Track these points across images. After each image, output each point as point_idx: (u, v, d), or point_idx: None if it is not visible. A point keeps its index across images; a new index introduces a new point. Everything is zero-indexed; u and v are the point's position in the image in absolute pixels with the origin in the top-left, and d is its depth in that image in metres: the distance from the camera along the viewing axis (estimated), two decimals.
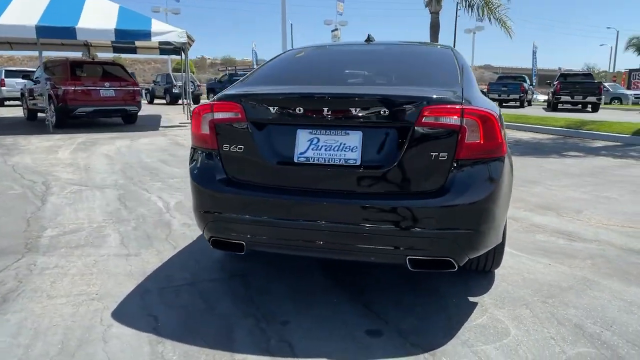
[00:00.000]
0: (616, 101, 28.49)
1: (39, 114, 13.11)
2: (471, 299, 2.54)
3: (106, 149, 7.98)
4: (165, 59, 39.66)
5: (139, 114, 12.77)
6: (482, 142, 2.10)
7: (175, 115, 15.74)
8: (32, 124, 12.59)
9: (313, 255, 2.72)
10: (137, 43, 14.70)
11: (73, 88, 11.05)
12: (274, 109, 2.23)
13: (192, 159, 2.51)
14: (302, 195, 2.20)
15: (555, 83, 19.30)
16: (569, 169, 6.48)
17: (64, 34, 10.56)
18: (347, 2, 26.33)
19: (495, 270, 2.84)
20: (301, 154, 2.20)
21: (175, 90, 22.94)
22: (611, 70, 47.43)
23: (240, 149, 2.28)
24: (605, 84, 26.49)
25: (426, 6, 13.84)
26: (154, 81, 27.21)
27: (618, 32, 51.97)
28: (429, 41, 11.79)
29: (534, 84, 28.86)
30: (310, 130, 2.21)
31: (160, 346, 2.06)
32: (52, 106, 11.15)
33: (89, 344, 2.07)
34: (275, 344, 2.09)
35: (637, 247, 3.35)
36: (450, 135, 2.07)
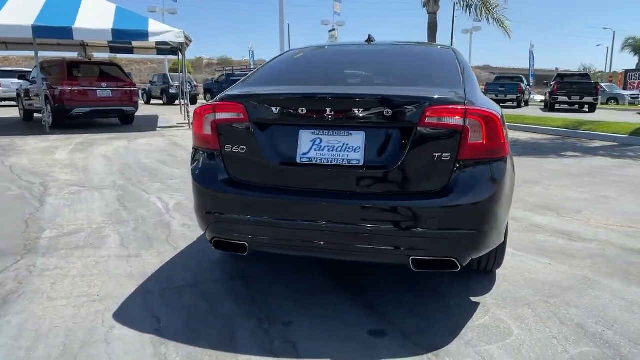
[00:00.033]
0: (613, 101, 28.61)
1: (35, 115, 13.06)
2: (473, 299, 2.54)
3: (104, 150, 7.95)
4: (162, 59, 39.61)
5: (135, 114, 12.74)
6: (484, 142, 2.10)
7: (173, 115, 15.70)
8: (28, 124, 12.53)
9: (316, 256, 2.72)
10: (134, 43, 14.66)
11: (70, 88, 11.00)
12: (276, 109, 2.23)
13: (193, 160, 2.50)
14: (305, 196, 2.20)
15: (552, 83, 19.36)
16: (568, 169, 6.50)
17: (61, 34, 10.51)
18: (344, 3, 26.34)
19: (497, 270, 2.85)
20: (304, 154, 2.20)
21: (172, 91, 22.89)
22: (607, 71, 47.71)
23: (243, 149, 2.28)
24: (602, 85, 26.59)
25: (424, 6, 13.86)
26: (150, 81, 27.13)
27: (614, 32, 52.15)
28: (426, 41, 11.82)
29: (531, 84, 28.96)
30: (313, 131, 2.20)
31: (163, 347, 2.05)
32: (49, 107, 11.10)
33: (91, 345, 2.06)
34: (279, 344, 2.09)
35: (637, 247, 3.36)
36: (453, 136, 2.08)
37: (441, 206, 2.07)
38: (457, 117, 2.06)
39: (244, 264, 2.99)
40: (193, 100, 20.56)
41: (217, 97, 2.42)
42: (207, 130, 2.36)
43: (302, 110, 2.18)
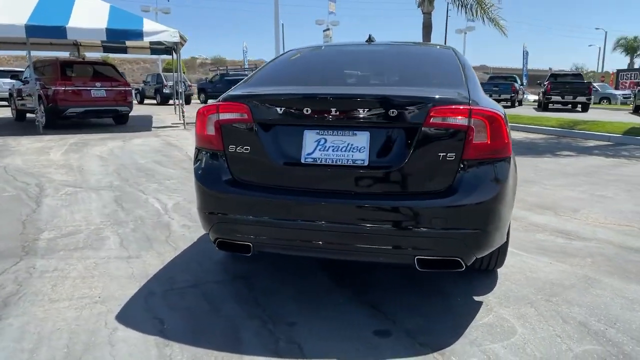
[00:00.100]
0: (605, 101, 28.86)
1: (28, 115, 12.94)
2: (476, 298, 2.55)
3: (99, 150, 7.90)
4: (155, 58, 39.42)
5: (129, 114, 12.66)
6: (489, 142, 2.11)
7: (167, 115, 15.63)
8: (21, 124, 12.42)
9: (321, 256, 2.72)
10: (128, 43, 14.56)
11: (63, 88, 10.91)
12: (281, 109, 2.22)
13: (196, 160, 2.49)
14: (309, 196, 2.19)
15: (545, 83, 19.49)
16: (564, 169, 6.55)
17: (54, 34, 10.42)
18: (337, 2, 26.33)
19: (498, 270, 2.86)
20: (308, 154, 2.19)
21: (166, 91, 22.77)
22: (599, 71, 48.13)
23: (247, 149, 2.27)
24: (595, 84, 26.80)
25: (419, 6, 13.90)
26: (144, 81, 26.99)
27: (606, 32, 52.64)
28: (422, 41, 11.85)
29: (524, 84, 29.13)
30: (318, 131, 2.20)
31: (167, 349, 2.04)
32: (42, 107, 11.00)
33: (95, 347, 2.04)
34: (284, 345, 2.08)
35: (635, 245, 3.39)
36: (458, 136, 2.08)
37: (446, 206, 2.08)
38: (461, 117, 2.07)
39: (245, 264, 2.98)
40: (187, 100, 20.43)
41: (220, 97, 2.41)
42: (211, 131, 2.34)
43: (307, 110, 2.18)
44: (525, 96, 27.30)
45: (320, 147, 2.18)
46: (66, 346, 2.05)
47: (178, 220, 3.91)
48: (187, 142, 9.05)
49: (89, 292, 2.58)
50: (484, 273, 2.83)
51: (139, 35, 10.90)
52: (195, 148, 2.52)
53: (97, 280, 2.73)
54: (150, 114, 16.37)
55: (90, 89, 11.33)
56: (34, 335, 2.14)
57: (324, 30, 25.33)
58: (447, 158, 2.09)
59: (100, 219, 3.95)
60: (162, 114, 16.20)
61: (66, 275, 2.80)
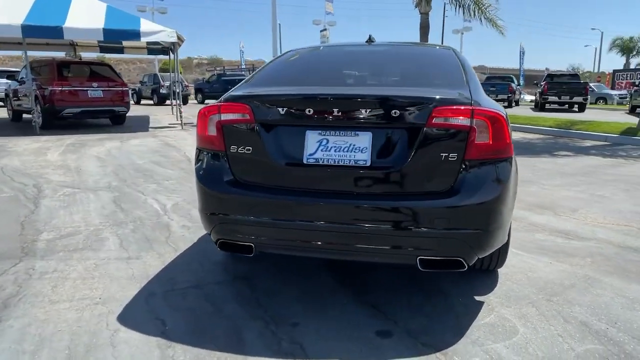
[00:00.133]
0: (601, 101, 28.98)
1: (24, 115, 12.89)
2: (477, 298, 2.55)
3: (96, 151, 7.87)
4: (151, 58, 39.25)
5: (126, 114, 12.62)
6: (491, 142, 2.11)
7: (164, 116, 15.59)
8: (17, 125, 12.37)
9: (323, 257, 2.72)
10: (125, 43, 14.52)
11: (60, 89, 10.87)
12: (283, 110, 2.22)
13: (197, 160, 2.48)
14: (311, 196, 2.19)
15: (542, 83, 19.55)
16: (562, 169, 6.57)
17: (51, 34, 10.37)
18: (334, 3, 26.32)
19: (499, 270, 2.87)
20: (310, 155, 2.19)
21: (163, 91, 22.73)
22: (595, 71, 48.35)
23: (249, 150, 2.27)
24: (591, 85, 26.92)
25: (416, 6, 13.91)
26: (140, 81, 26.92)
27: (602, 33, 52.97)
28: (419, 42, 11.87)
29: (521, 84, 29.21)
30: (320, 131, 2.20)
31: (170, 350, 2.03)
32: (39, 107, 10.96)
33: (97, 349, 2.03)
34: (287, 345, 2.08)
35: (634, 245, 3.41)
36: (460, 136, 2.08)
37: (448, 206, 2.08)
38: (464, 118, 2.07)
39: (246, 265, 2.98)
40: (184, 101, 20.42)
41: (222, 98, 2.40)
42: (212, 131, 2.34)
43: (309, 111, 2.18)
44: (522, 96, 27.40)
45: (322, 147, 2.18)
46: (68, 348, 2.04)
47: (177, 221, 3.90)
48: (185, 142, 9.03)
49: (89, 293, 2.57)
50: (485, 273, 2.83)
51: (136, 35, 10.88)
52: (197, 148, 2.51)
53: (97, 282, 2.72)
54: (147, 114, 16.34)
55: (87, 89, 11.29)
56: (35, 336, 2.13)
57: (321, 31, 25.33)
58: (450, 158, 2.09)
59: (100, 220, 3.94)
60: (159, 114, 16.16)
61: (66, 277, 2.79)
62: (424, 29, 13.63)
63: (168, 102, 20.65)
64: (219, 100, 2.42)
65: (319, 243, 2.23)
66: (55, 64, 11.49)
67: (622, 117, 15.34)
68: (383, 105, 2.14)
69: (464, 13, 13.57)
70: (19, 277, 2.77)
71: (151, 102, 24.06)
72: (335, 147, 2.17)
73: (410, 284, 2.72)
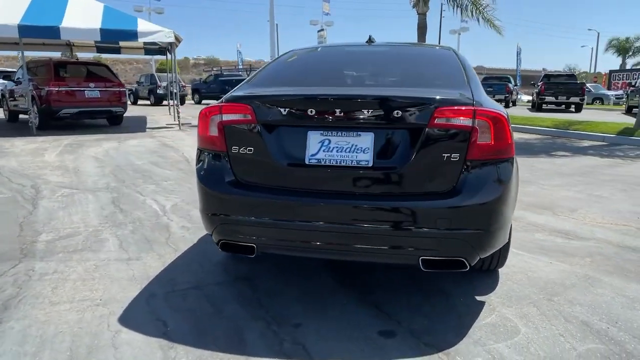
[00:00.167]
0: (598, 101, 29.13)
1: (21, 116, 12.83)
2: (478, 298, 2.56)
3: (94, 151, 7.84)
4: (147, 59, 39.21)
5: (123, 115, 12.59)
6: (492, 143, 2.12)
7: (161, 116, 15.57)
8: (13, 125, 12.31)
9: (325, 257, 2.71)
10: (122, 43, 14.48)
11: (57, 89, 10.82)
12: (285, 110, 2.21)
13: (198, 161, 2.48)
14: (313, 197, 2.19)
15: (539, 84, 19.63)
16: (560, 169, 6.59)
17: (48, 34, 10.33)
18: (331, 3, 26.32)
19: (499, 269, 2.87)
20: (312, 155, 2.19)
21: (160, 91, 22.69)
22: (592, 71, 48.54)
23: (250, 150, 2.26)
24: (588, 85, 27.04)
25: (413, 7, 13.94)
26: (137, 82, 26.87)
27: (599, 33, 53.10)
28: (416, 42, 11.89)
29: (518, 84, 29.30)
30: (322, 132, 2.20)
31: (172, 351, 2.02)
32: (35, 107, 10.91)
33: (99, 350, 2.02)
34: (289, 346, 2.08)
35: (633, 245, 3.42)
36: (462, 136, 2.09)
37: (450, 206, 2.08)
38: (466, 118, 2.07)
39: (247, 265, 2.98)
40: (181, 101, 20.37)
41: (223, 98, 2.40)
42: (214, 132, 2.33)
43: (311, 111, 2.17)
44: (519, 97, 27.47)
45: (324, 148, 2.18)
46: (69, 349, 2.03)
47: (177, 222, 3.89)
48: (182, 142, 9.01)
49: (90, 295, 2.56)
50: (486, 273, 2.84)
51: (133, 35, 10.84)
52: (198, 149, 2.51)
53: (97, 283, 2.71)
54: (144, 114, 16.31)
55: (84, 90, 11.25)
56: (36, 338, 2.11)
57: (318, 31, 25.35)
58: (452, 159, 2.09)
59: (99, 221, 3.92)
60: (157, 115, 16.13)
61: (66, 278, 2.78)
62: (422, 29, 13.65)
63: (165, 102, 20.63)
64: (220, 100, 2.41)
65: (321, 243, 2.23)
66: (52, 64, 11.45)
67: (618, 118, 15.41)
68: (385, 105, 2.14)
69: (461, 13, 13.62)
70: (18, 279, 2.75)
71: (148, 102, 24.00)
72: (337, 147, 2.17)
73: (412, 284, 2.72)
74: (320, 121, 2.19)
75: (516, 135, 10.81)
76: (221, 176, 2.32)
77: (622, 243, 3.45)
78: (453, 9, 13.57)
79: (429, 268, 2.15)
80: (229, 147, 2.31)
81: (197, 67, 57.37)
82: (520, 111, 18.50)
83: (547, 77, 20.51)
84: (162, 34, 11.14)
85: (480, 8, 13.25)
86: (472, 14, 13.33)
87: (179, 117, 12.39)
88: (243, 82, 2.67)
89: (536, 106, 19.86)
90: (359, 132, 2.17)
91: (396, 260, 2.32)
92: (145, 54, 18.00)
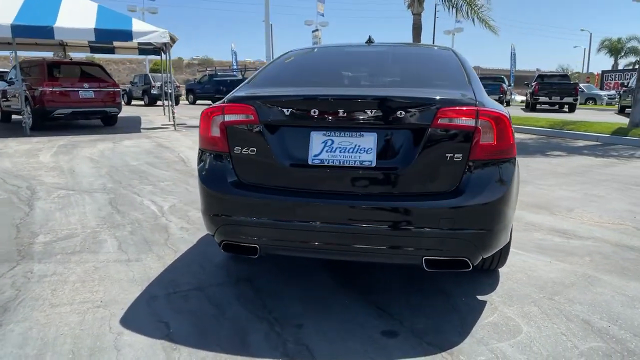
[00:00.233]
0: (591, 101, 29.36)
1: (14, 116, 12.72)
2: (480, 297, 2.57)
3: (89, 152, 7.79)
4: (141, 59, 38.98)
5: (118, 115, 12.52)
6: (495, 143, 2.12)
7: (156, 117, 15.50)
8: (6, 126, 12.22)
9: (328, 258, 2.71)
10: (116, 43, 14.41)
11: (50, 89, 10.75)
12: (287, 110, 2.21)
13: (200, 162, 2.47)
14: (316, 197, 2.19)
15: (533, 84, 19.76)
16: (556, 169, 6.63)
17: (41, 34, 10.25)
18: (326, 3, 26.31)
19: (500, 269, 2.88)
20: (315, 155, 2.19)
21: (154, 91, 22.59)
22: (584, 72, 48.90)
23: (253, 151, 2.26)
24: (581, 85, 27.26)
25: (408, 7, 13.98)
26: (131, 82, 26.73)
27: (591, 34, 53.47)
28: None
29: (511, 84, 29.48)
30: (325, 132, 2.20)
31: (176, 353, 2.01)
32: (29, 108, 10.82)
33: (101, 352, 2.01)
34: (293, 347, 2.07)
35: (631, 244, 3.45)
36: (465, 137, 2.09)
37: (453, 206, 2.09)
38: (469, 118, 2.08)
39: (247, 266, 2.97)
40: (176, 101, 20.31)
41: (225, 99, 2.39)
42: (216, 132, 2.32)
43: (314, 112, 2.17)
44: (512, 97, 27.64)
45: (327, 148, 2.18)
46: (71, 351, 2.01)
47: (176, 223, 3.87)
48: (178, 143, 8.98)
49: (90, 296, 2.54)
50: (486, 273, 2.85)
51: (128, 35, 10.78)
52: (199, 149, 2.49)
53: (97, 284, 2.69)
54: (139, 115, 16.23)
55: (78, 90, 11.18)
56: (37, 341, 2.09)
57: (313, 31, 25.34)
58: (454, 159, 2.10)
59: (96, 222, 3.89)
60: (151, 115, 16.06)
61: (65, 280, 2.75)
62: (417, 29, 13.70)
63: (159, 102, 20.54)
64: (222, 101, 2.40)
65: (324, 244, 2.23)
66: (46, 64, 11.37)
67: (611, 118, 15.54)
68: (388, 106, 2.14)
69: (456, 14, 13.69)
70: (17, 281, 2.73)
71: (142, 102, 23.88)
72: (340, 148, 2.17)
73: (413, 284, 2.72)
74: (323, 121, 2.19)
75: None
76: (223, 177, 2.32)
77: (620, 242, 3.48)
78: (448, 9, 13.65)
79: (432, 268, 2.15)
80: (231, 147, 2.30)
81: (191, 67, 57.10)
82: (514, 111, 18.59)
83: (541, 77, 20.67)
84: (157, 34, 11.09)
85: (476, 8, 13.33)
86: (467, 15, 13.41)
87: (174, 117, 12.33)
88: (244, 83, 2.67)
89: (530, 106, 19.99)
90: (362, 133, 2.17)
91: (399, 261, 2.32)
92: (139, 54, 17.90)
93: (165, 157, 7.31)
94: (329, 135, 2.19)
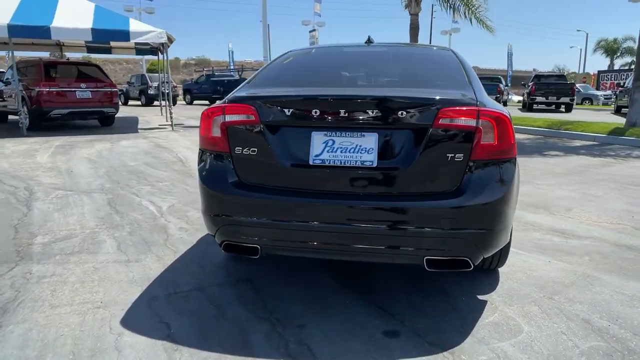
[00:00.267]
0: (587, 102, 29.48)
1: (10, 117, 12.66)
2: (480, 297, 2.57)
3: (86, 152, 7.76)
4: (138, 59, 38.90)
5: (115, 115, 12.48)
6: (496, 143, 2.13)
7: (153, 117, 15.46)
8: (2, 126, 12.16)
9: (330, 258, 2.71)
10: (113, 43, 14.35)
11: (47, 89, 10.71)
12: (288, 111, 2.21)
13: (200, 162, 2.46)
14: (317, 197, 2.19)
15: (530, 84, 19.84)
16: (553, 168, 6.65)
17: (38, 34, 10.19)
18: (323, 3, 26.28)
19: (500, 269, 2.89)
20: (316, 156, 2.19)
21: (151, 92, 22.53)
22: (581, 72, 49.11)
23: (254, 151, 2.25)
24: (577, 85, 27.36)
25: (405, 8, 14.01)
26: (128, 82, 26.66)
27: (587, 34, 53.75)
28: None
29: (508, 84, 29.56)
30: (326, 132, 2.20)
31: (177, 354, 2.01)
32: (25, 108, 10.77)
33: (102, 353, 2.00)
34: (295, 347, 2.07)
35: (630, 243, 3.46)
36: (466, 137, 2.10)
37: (455, 206, 2.09)
38: (470, 119, 2.09)
39: (248, 266, 2.96)
40: (173, 101, 20.26)
41: (226, 99, 2.39)
42: (216, 132, 2.32)
43: (315, 112, 2.17)
44: (509, 97, 27.73)
45: (328, 148, 2.18)
46: (72, 352, 2.00)
47: (175, 223, 3.87)
48: (176, 143, 8.95)
49: (90, 297, 2.53)
50: (486, 272, 2.85)
51: (125, 35, 10.74)
52: (200, 150, 2.49)
53: (97, 285, 2.68)
54: (136, 115, 16.19)
55: (75, 90, 11.14)
56: (37, 342, 2.08)
57: (310, 32, 25.30)
58: (455, 159, 2.10)
59: (95, 223, 3.88)
60: (148, 115, 16.02)
61: (65, 280, 2.74)
62: (414, 29, 13.72)
63: (156, 103, 20.49)
64: (222, 101, 2.40)
65: (325, 244, 2.23)
66: (43, 64, 11.33)
67: (608, 118, 15.60)
68: (389, 106, 2.14)
69: (453, 14, 13.71)
70: (16, 282, 2.71)
71: (139, 103, 23.82)
72: (341, 148, 2.17)
73: (414, 284, 2.72)
74: (324, 121, 2.19)
75: None
76: (224, 177, 2.31)
77: (619, 241, 3.49)
78: (446, 9, 13.68)
79: (433, 268, 2.15)
80: (232, 147, 2.29)
81: (188, 68, 57.02)
82: (511, 111, 18.33)
83: (538, 77, 20.74)
84: (155, 35, 11.06)
85: (473, 9, 13.36)
86: (464, 15, 13.44)
87: (171, 117, 12.30)
88: (244, 83, 2.66)
89: (527, 106, 20.06)
90: (363, 133, 2.17)
91: (401, 261, 2.33)
92: (136, 54, 17.86)
93: (164, 158, 7.29)
94: (330, 136, 2.19)
